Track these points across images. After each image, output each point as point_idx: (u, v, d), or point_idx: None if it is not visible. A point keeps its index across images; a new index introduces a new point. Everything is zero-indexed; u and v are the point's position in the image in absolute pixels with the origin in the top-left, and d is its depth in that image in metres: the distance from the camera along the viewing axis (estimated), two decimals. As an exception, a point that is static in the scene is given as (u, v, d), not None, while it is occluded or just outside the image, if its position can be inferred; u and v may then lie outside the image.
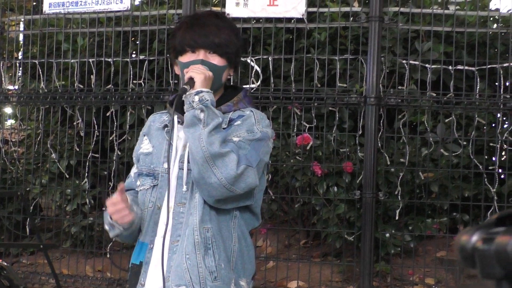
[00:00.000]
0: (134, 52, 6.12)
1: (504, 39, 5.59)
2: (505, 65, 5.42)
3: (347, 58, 5.44)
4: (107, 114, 5.96)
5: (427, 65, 5.39)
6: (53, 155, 6.11)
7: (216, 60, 2.65)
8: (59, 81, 6.11)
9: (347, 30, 5.54)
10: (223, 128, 2.60)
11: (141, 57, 5.85)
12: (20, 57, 6.57)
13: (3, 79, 6.39)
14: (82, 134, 6.11)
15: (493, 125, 5.58)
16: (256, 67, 5.53)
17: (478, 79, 5.36)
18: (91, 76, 6.00)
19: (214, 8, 5.74)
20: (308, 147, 5.50)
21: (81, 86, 6.04)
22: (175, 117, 2.63)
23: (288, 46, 5.69)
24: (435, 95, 5.42)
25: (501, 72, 5.36)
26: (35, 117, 6.31)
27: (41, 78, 6.12)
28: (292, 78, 5.54)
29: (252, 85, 5.52)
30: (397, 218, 5.41)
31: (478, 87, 5.37)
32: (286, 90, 5.51)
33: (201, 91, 2.51)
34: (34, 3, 6.74)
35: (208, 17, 2.72)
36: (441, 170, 5.39)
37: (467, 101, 5.36)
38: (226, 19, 2.78)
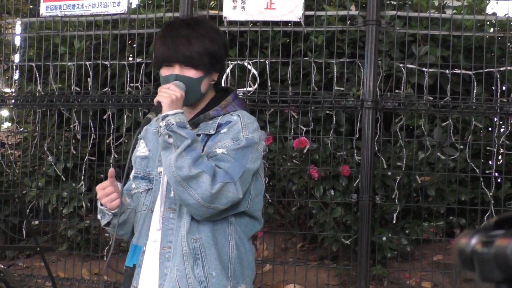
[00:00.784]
0: (131, 55, 6.11)
1: (501, 43, 5.60)
2: (502, 69, 5.42)
3: (344, 62, 5.44)
4: (104, 117, 5.96)
5: (424, 69, 5.40)
6: (50, 158, 6.11)
7: (191, 72, 2.62)
8: (55, 84, 6.10)
9: (344, 34, 5.54)
10: (212, 134, 2.62)
11: (138, 60, 5.84)
12: (17, 60, 6.57)
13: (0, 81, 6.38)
14: (78, 137, 6.11)
15: (490, 129, 5.59)
16: (253, 70, 5.53)
17: (475, 83, 5.36)
18: (88, 79, 6.00)
19: (211, 11, 5.74)
20: (305, 151, 5.50)
21: (78, 89, 6.03)
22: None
23: (285, 50, 5.69)
24: (432, 99, 5.42)
25: (498, 76, 5.37)
26: (32, 120, 6.30)
27: (38, 81, 6.11)
28: (289, 82, 5.54)
29: (249, 88, 5.52)
30: (393, 221, 5.41)
31: (475, 91, 5.37)
32: (283, 94, 5.51)
33: (167, 115, 2.50)
34: (31, 6, 6.73)
35: (179, 28, 2.67)
36: (438, 174, 5.39)
37: (464, 105, 5.37)
38: (199, 26, 2.68)
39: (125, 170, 2.61)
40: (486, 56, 5.45)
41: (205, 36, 2.64)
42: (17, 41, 6.61)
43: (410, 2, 5.76)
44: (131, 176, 2.86)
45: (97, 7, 5.89)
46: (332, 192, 5.46)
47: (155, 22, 5.81)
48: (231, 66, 5.53)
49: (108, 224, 2.71)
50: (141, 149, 2.81)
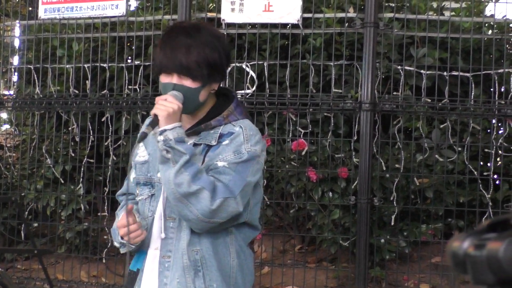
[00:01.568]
0: (129, 57, 6.12)
1: (498, 45, 5.60)
2: (499, 71, 5.43)
3: (342, 64, 5.44)
4: (102, 120, 5.96)
5: (422, 71, 5.40)
6: (48, 160, 6.11)
7: (189, 82, 2.57)
8: (54, 86, 6.11)
9: (342, 36, 5.55)
10: (213, 145, 2.59)
11: (136, 62, 5.84)
12: (16, 62, 6.57)
13: (-2, 84, 6.39)
14: (77, 139, 6.11)
15: (488, 131, 5.59)
16: (251, 72, 5.53)
17: (473, 85, 5.37)
18: (86, 81, 6.00)
19: (209, 14, 5.75)
20: (303, 153, 5.50)
21: (76, 92, 6.03)
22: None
23: (284, 52, 5.70)
24: (430, 101, 5.42)
25: (496, 78, 5.37)
26: (30, 122, 6.31)
27: (37, 83, 6.12)
28: (287, 84, 5.54)
29: (247, 91, 5.53)
30: (392, 223, 5.41)
31: (473, 93, 5.38)
32: (281, 96, 5.52)
33: (164, 130, 2.47)
34: (30, 9, 6.74)
35: (179, 36, 2.62)
36: (436, 176, 5.40)
37: (462, 107, 5.37)
38: (199, 34, 2.61)
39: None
40: (484, 58, 5.46)
41: (205, 45, 2.58)
42: (16, 43, 6.62)
43: (408, 4, 5.77)
44: (130, 177, 2.85)
45: (95, 10, 5.89)
46: (331, 194, 5.46)
47: (153, 25, 5.82)
48: (229, 68, 5.53)
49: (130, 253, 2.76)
50: (141, 153, 2.79)
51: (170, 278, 2.59)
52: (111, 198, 5.92)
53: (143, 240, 2.67)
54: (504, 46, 5.65)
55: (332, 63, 5.46)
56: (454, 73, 5.40)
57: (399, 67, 5.45)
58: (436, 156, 5.45)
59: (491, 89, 5.44)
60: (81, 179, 6.01)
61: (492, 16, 5.65)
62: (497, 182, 5.53)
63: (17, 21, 6.44)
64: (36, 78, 6.12)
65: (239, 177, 2.51)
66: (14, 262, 6.36)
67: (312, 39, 5.57)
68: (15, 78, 6.52)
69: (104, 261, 6.01)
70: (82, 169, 6.00)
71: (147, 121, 2.62)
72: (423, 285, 5.46)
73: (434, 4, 5.82)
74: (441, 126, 5.49)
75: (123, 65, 5.88)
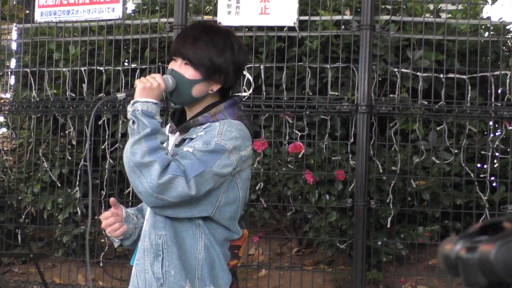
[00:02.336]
0: (126, 60, 6.11)
1: (495, 47, 5.61)
2: (496, 73, 5.43)
3: (339, 66, 5.45)
4: (99, 123, 5.96)
5: (418, 73, 5.40)
6: (45, 164, 6.10)
7: (188, 72, 2.67)
8: (51, 90, 6.10)
9: (338, 38, 5.55)
10: (193, 138, 2.63)
11: (133, 65, 5.85)
12: (12, 65, 6.56)
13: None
14: (74, 142, 6.11)
15: (485, 133, 5.60)
16: (248, 75, 5.53)
17: (469, 87, 5.37)
18: (83, 84, 6.00)
19: (206, 17, 5.75)
20: (300, 155, 5.50)
21: (73, 95, 6.03)
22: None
23: (280, 55, 5.70)
24: (426, 103, 5.43)
25: (492, 80, 5.38)
26: (27, 126, 6.30)
27: (33, 86, 6.11)
28: (284, 86, 5.54)
29: (244, 93, 5.53)
30: (389, 226, 5.41)
31: (469, 95, 5.38)
32: (278, 98, 5.52)
33: (136, 102, 2.57)
34: (27, 12, 6.74)
35: (197, 29, 2.74)
36: (433, 178, 5.40)
37: (458, 109, 5.37)
38: (216, 35, 2.71)
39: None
40: (481, 60, 5.46)
41: (214, 45, 2.67)
42: (13, 46, 6.61)
43: (404, 7, 5.76)
44: None
45: (92, 13, 5.89)
46: (327, 196, 5.46)
47: (149, 28, 5.82)
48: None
49: (121, 245, 2.83)
50: None
51: (135, 261, 2.68)
52: (108, 201, 5.92)
53: (138, 235, 2.76)
54: (500, 48, 5.65)
55: (328, 66, 5.46)
56: (451, 75, 5.41)
57: (395, 69, 5.45)
58: (433, 158, 5.45)
59: (488, 91, 5.45)
60: (77, 182, 6.01)
61: (489, 18, 5.65)
62: (494, 184, 5.53)
63: (14, 24, 6.43)
64: (32, 81, 6.11)
65: (199, 163, 2.52)
66: (11, 265, 6.35)
67: (308, 41, 5.58)
68: (12, 81, 6.51)
69: (101, 264, 6.00)
70: (79, 172, 5.99)
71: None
72: (420, 287, 5.46)
73: (431, 6, 5.83)
74: (438, 128, 5.50)
75: (120, 68, 5.88)
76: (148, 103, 2.56)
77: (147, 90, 2.58)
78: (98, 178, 6.01)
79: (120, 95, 2.69)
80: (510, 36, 5.87)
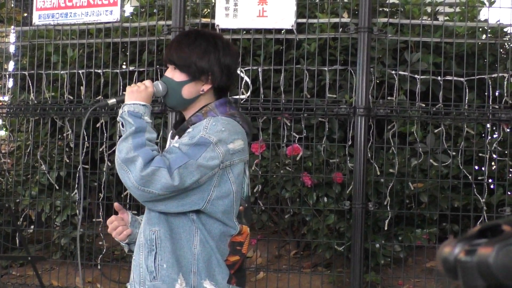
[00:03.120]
0: (124, 63, 6.11)
1: (493, 49, 5.61)
2: (494, 75, 5.44)
3: (337, 69, 5.45)
4: (97, 126, 5.95)
5: (416, 76, 5.40)
6: (43, 167, 6.10)
7: (176, 75, 2.80)
8: (49, 93, 6.10)
9: (336, 41, 5.55)
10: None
11: (131, 68, 5.84)
12: (10, 68, 6.56)
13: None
14: (72, 145, 6.10)
15: (482, 135, 5.60)
16: (245, 78, 5.53)
17: (467, 90, 5.38)
18: (81, 87, 5.99)
19: (204, 20, 5.75)
20: (298, 158, 5.50)
21: (71, 98, 6.03)
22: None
23: (278, 57, 5.70)
24: (424, 105, 5.43)
25: (490, 82, 5.38)
26: (25, 129, 6.29)
27: (31, 89, 6.11)
28: (281, 89, 5.54)
29: (242, 96, 5.53)
30: (386, 228, 5.41)
31: (467, 98, 5.38)
32: (276, 101, 5.52)
33: (125, 105, 2.71)
34: (25, 14, 6.73)
35: (182, 34, 3.00)
36: (431, 181, 5.40)
37: (456, 112, 5.38)
38: (199, 37, 2.83)
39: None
40: (478, 63, 5.46)
41: (197, 47, 2.78)
42: (11, 49, 6.61)
43: (402, 9, 5.77)
44: None
45: (89, 16, 5.88)
46: (325, 199, 5.46)
47: (147, 30, 5.82)
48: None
49: (130, 250, 2.91)
50: None
51: (133, 257, 2.81)
52: (106, 204, 5.92)
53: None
54: (498, 51, 5.66)
55: (326, 68, 5.46)
56: (448, 77, 5.41)
57: (393, 72, 5.46)
58: (431, 160, 5.45)
59: (485, 94, 5.45)
60: (76, 185, 6.00)
61: (486, 20, 5.65)
62: (492, 186, 5.53)
63: (12, 27, 6.43)
64: (30, 84, 6.10)
65: (183, 155, 2.60)
66: (8, 268, 6.34)
67: (306, 44, 5.57)
68: (10, 84, 6.51)
69: (99, 267, 6.00)
70: (77, 175, 5.98)
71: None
72: (418, 290, 5.46)
73: (428, 9, 5.83)
74: (436, 130, 5.50)
75: (118, 71, 5.88)
76: (135, 105, 2.69)
77: (134, 93, 2.71)
78: (96, 180, 6.00)
79: (111, 102, 2.84)
80: (507, 39, 5.86)
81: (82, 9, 5.89)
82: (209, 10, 6.01)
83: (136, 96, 2.70)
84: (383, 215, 5.41)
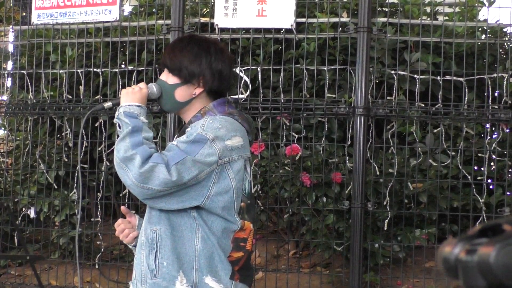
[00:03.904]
0: (123, 62, 6.11)
1: (492, 49, 5.61)
2: (493, 75, 5.44)
3: (336, 69, 5.44)
4: (96, 125, 5.95)
5: (415, 76, 5.40)
6: (42, 166, 6.09)
7: (169, 78, 2.87)
8: (47, 92, 6.09)
9: (335, 41, 5.55)
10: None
11: (130, 67, 5.84)
12: (9, 67, 6.55)
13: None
14: (70, 144, 6.10)
15: (482, 135, 5.60)
16: (245, 77, 5.53)
17: (467, 90, 5.38)
18: (80, 86, 5.99)
19: (203, 19, 5.74)
20: (297, 158, 5.50)
21: (70, 97, 6.02)
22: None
23: (277, 57, 5.70)
24: (423, 105, 5.43)
25: (489, 82, 5.38)
26: (24, 128, 6.29)
27: (30, 88, 6.10)
28: (281, 89, 5.54)
29: (241, 96, 5.52)
30: (385, 228, 5.41)
31: (466, 98, 5.38)
32: (275, 101, 5.52)
33: (121, 106, 2.77)
34: (24, 14, 6.73)
35: (176, 40, 3.03)
36: (430, 181, 5.40)
37: (455, 112, 5.38)
38: (191, 42, 2.90)
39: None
40: (478, 63, 5.47)
41: (188, 51, 2.86)
42: (10, 48, 6.60)
43: (401, 9, 5.77)
44: None
45: (88, 15, 5.88)
46: (324, 199, 5.46)
47: (146, 30, 5.81)
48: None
49: None
50: None
51: (135, 256, 2.87)
52: (105, 203, 5.92)
53: None
54: (497, 51, 5.66)
55: (325, 68, 5.46)
56: (448, 77, 5.41)
57: (392, 71, 5.46)
58: (430, 160, 5.45)
59: (485, 94, 5.45)
60: (74, 184, 6.00)
61: (486, 20, 5.65)
62: (491, 186, 5.53)
63: (11, 26, 6.42)
64: (29, 83, 6.10)
65: (181, 152, 2.64)
66: (7, 268, 6.34)
67: (305, 44, 5.57)
68: (8, 83, 6.50)
69: (97, 266, 6.00)
70: (76, 174, 5.98)
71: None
72: (417, 290, 5.46)
73: (428, 9, 5.83)
74: (435, 130, 5.50)
75: (117, 70, 5.88)
76: (131, 106, 2.76)
77: (129, 94, 2.79)
78: (94, 180, 6.00)
79: (107, 105, 2.92)
80: (507, 39, 5.86)
81: (81, 8, 5.89)
82: (208, 10, 6.00)
83: (131, 98, 2.78)
84: (382, 215, 5.41)
